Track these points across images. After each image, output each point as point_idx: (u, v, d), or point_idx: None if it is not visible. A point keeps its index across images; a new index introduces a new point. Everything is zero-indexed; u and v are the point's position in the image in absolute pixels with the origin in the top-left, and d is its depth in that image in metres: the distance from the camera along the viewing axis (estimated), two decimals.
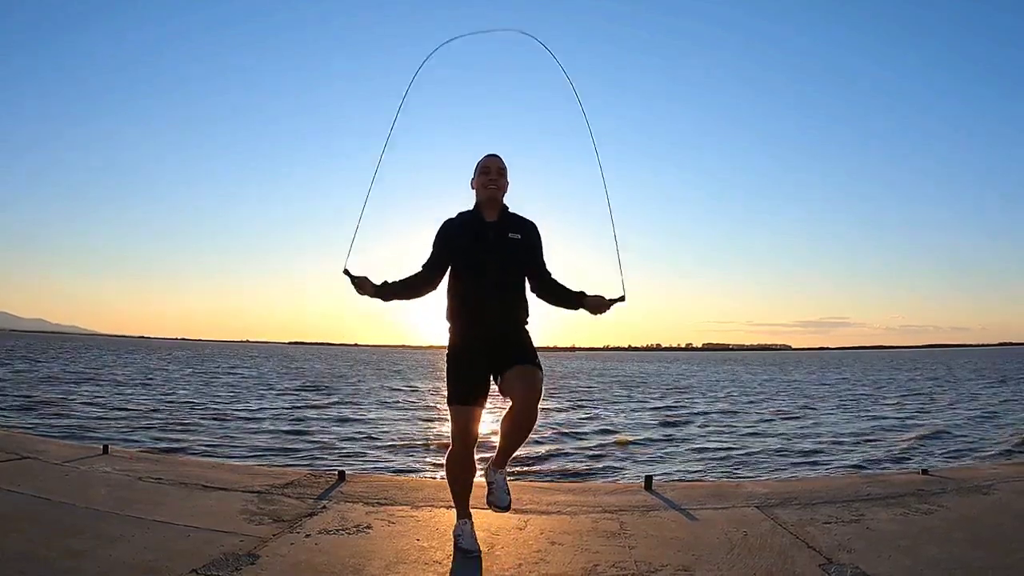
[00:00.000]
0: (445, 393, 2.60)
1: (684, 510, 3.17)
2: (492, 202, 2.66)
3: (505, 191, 2.70)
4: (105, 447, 4.45)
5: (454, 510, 2.65)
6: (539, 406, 2.51)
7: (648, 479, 3.71)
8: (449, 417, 2.58)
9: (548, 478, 8.08)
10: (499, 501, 2.64)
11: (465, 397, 2.53)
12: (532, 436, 2.72)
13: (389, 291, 2.63)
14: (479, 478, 2.73)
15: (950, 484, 3.69)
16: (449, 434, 2.60)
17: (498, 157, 2.69)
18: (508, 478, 2.72)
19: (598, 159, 2.78)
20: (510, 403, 2.51)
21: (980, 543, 2.63)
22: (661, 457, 9.98)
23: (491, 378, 2.59)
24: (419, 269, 2.67)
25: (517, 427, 2.52)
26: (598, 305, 2.66)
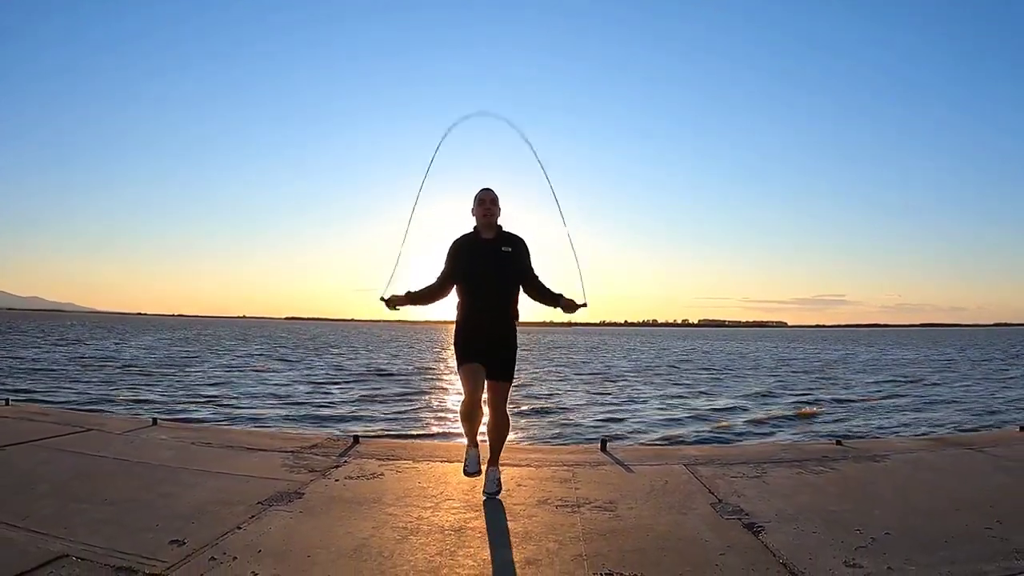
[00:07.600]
0: (454, 361, 3.34)
1: (626, 465, 3.99)
2: (488, 226, 3.34)
3: (498, 216, 3.34)
4: (154, 420, 5.19)
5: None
6: (508, 411, 3.36)
7: (603, 442, 4.49)
8: (459, 376, 3.26)
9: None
10: (489, 489, 3.31)
11: (469, 357, 3.23)
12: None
13: (418, 299, 3.33)
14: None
15: (852, 453, 4.32)
16: (454, 407, 3.46)
17: (491, 190, 3.35)
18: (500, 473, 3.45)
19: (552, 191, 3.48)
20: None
21: (846, 496, 3.28)
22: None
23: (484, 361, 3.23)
24: (434, 280, 3.34)
25: (490, 430, 3.34)
26: (570, 306, 3.38)
